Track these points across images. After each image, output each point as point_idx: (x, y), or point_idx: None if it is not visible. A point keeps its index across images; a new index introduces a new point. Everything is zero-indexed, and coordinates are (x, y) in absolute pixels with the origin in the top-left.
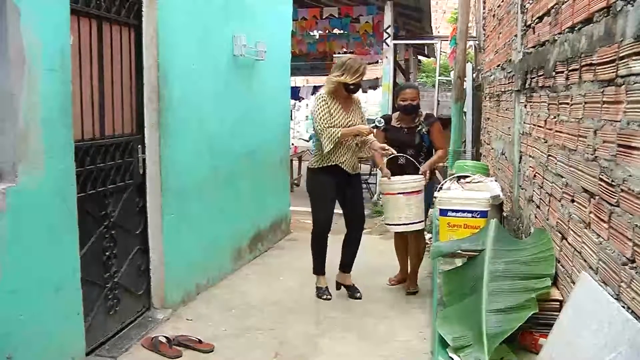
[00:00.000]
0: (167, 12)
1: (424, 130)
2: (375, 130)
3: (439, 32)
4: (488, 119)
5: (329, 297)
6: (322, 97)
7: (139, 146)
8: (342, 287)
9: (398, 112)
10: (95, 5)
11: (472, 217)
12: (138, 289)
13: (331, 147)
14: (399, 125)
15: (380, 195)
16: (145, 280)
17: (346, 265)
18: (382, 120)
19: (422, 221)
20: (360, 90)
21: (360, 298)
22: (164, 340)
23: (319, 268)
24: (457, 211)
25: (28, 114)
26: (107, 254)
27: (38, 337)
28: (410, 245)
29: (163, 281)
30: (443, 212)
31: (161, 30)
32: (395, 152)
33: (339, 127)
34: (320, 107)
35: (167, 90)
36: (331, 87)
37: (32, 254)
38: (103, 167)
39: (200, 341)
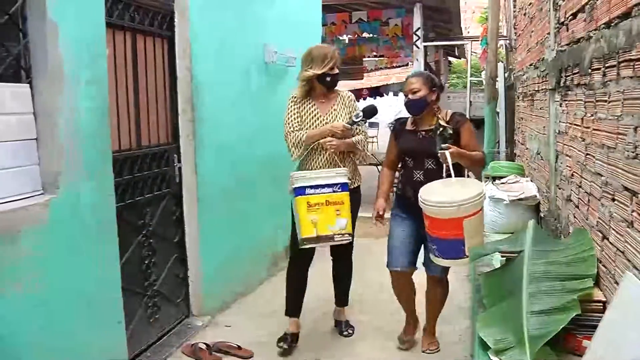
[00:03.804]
0: (198, 22)
1: (447, 133)
2: (353, 129)
3: (468, 32)
4: (522, 118)
5: (284, 346)
6: (291, 97)
7: (175, 155)
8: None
9: None
10: (129, 18)
11: (333, 191)
12: (177, 297)
13: (298, 153)
14: (413, 129)
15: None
16: (183, 288)
17: (338, 299)
18: (361, 113)
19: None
20: (392, 93)
21: (349, 335)
22: (203, 347)
23: (289, 308)
24: (316, 187)
25: (67, 127)
26: (146, 262)
27: (81, 345)
28: (428, 289)
29: (201, 289)
30: (300, 192)
31: (193, 40)
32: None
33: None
34: (288, 109)
35: (201, 100)
36: (304, 87)
37: (73, 264)
38: (140, 177)
39: (239, 347)
